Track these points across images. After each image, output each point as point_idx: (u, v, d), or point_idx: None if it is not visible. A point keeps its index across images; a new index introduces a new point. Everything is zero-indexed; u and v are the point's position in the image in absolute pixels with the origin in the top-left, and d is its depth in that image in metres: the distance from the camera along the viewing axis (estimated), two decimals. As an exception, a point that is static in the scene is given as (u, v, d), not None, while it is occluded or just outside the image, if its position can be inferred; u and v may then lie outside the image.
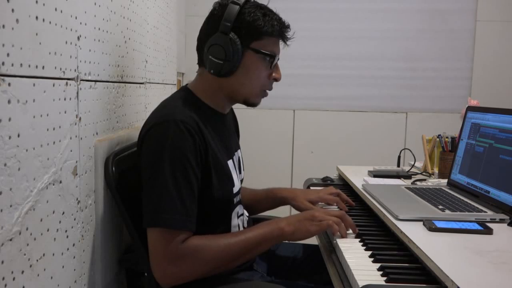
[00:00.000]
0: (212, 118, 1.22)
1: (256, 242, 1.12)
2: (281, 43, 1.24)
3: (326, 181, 1.86)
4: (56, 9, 0.95)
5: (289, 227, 1.13)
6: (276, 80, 1.25)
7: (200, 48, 1.23)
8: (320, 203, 1.47)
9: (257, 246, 1.13)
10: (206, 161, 1.13)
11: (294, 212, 1.43)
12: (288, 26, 1.23)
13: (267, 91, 1.26)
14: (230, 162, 1.24)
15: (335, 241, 1.17)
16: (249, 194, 1.50)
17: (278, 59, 1.24)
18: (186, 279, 1.08)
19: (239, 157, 1.34)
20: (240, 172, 1.33)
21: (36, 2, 0.87)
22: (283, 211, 1.49)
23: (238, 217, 1.28)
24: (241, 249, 1.11)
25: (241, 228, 1.29)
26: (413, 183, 1.67)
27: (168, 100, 1.23)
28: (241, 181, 1.36)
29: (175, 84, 2.43)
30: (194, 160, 1.09)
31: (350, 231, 1.19)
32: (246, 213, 1.37)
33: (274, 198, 1.49)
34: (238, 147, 1.38)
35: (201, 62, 1.24)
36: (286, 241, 1.58)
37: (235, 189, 1.24)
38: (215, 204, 1.17)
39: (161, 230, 1.05)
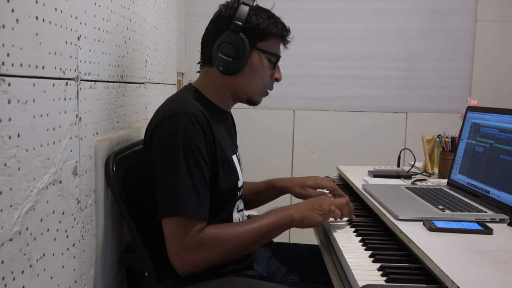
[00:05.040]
0: (217, 115, 1.25)
1: (268, 228, 1.16)
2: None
3: (326, 181, 1.86)
4: (56, 9, 0.95)
5: (298, 214, 1.18)
6: (277, 80, 1.31)
7: (206, 47, 1.26)
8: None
9: (269, 233, 1.17)
10: (214, 153, 1.16)
11: (295, 201, 1.44)
12: (289, 30, 1.29)
13: (268, 90, 1.32)
14: (234, 157, 1.27)
15: (330, 226, 1.26)
16: (249, 187, 1.52)
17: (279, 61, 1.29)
18: (205, 266, 1.13)
19: (239, 158, 1.35)
20: (241, 170, 1.34)
21: (36, 2, 0.87)
22: (284, 202, 1.49)
23: (238, 211, 1.29)
24: (256, 235, 1.15)
25: None
26: (413, 183, 1.67)
27: (175, 96, 1.28)
28: None
29: (175, 84, 2.43)
30: (205, 152, 1.13)
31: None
32: (245, 211, 1.38)
33: (274, 189, 1.52)
34: (237, 148, 1.39)
35: (206, 61, 1.27)
36: (287, 242, 1.59)
37: (240, 183, 1.27)
38: (220, 196, 1.20)
39: (178, 220, 1.08)
